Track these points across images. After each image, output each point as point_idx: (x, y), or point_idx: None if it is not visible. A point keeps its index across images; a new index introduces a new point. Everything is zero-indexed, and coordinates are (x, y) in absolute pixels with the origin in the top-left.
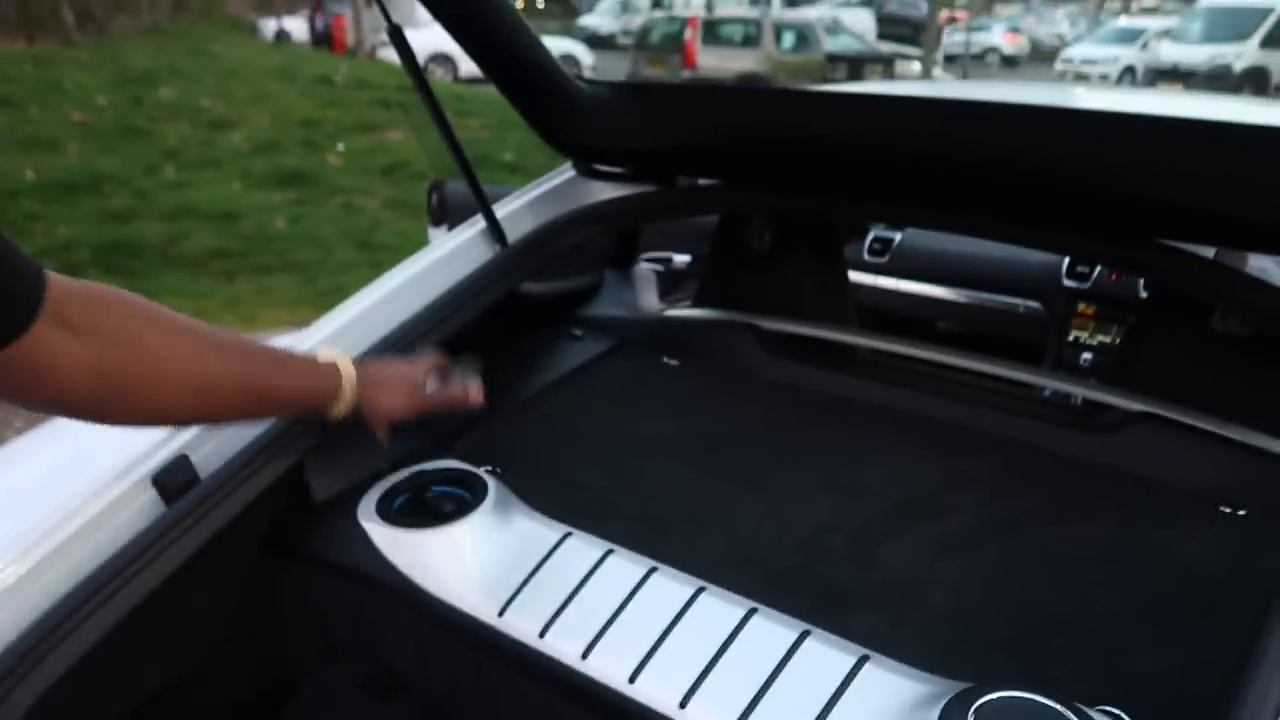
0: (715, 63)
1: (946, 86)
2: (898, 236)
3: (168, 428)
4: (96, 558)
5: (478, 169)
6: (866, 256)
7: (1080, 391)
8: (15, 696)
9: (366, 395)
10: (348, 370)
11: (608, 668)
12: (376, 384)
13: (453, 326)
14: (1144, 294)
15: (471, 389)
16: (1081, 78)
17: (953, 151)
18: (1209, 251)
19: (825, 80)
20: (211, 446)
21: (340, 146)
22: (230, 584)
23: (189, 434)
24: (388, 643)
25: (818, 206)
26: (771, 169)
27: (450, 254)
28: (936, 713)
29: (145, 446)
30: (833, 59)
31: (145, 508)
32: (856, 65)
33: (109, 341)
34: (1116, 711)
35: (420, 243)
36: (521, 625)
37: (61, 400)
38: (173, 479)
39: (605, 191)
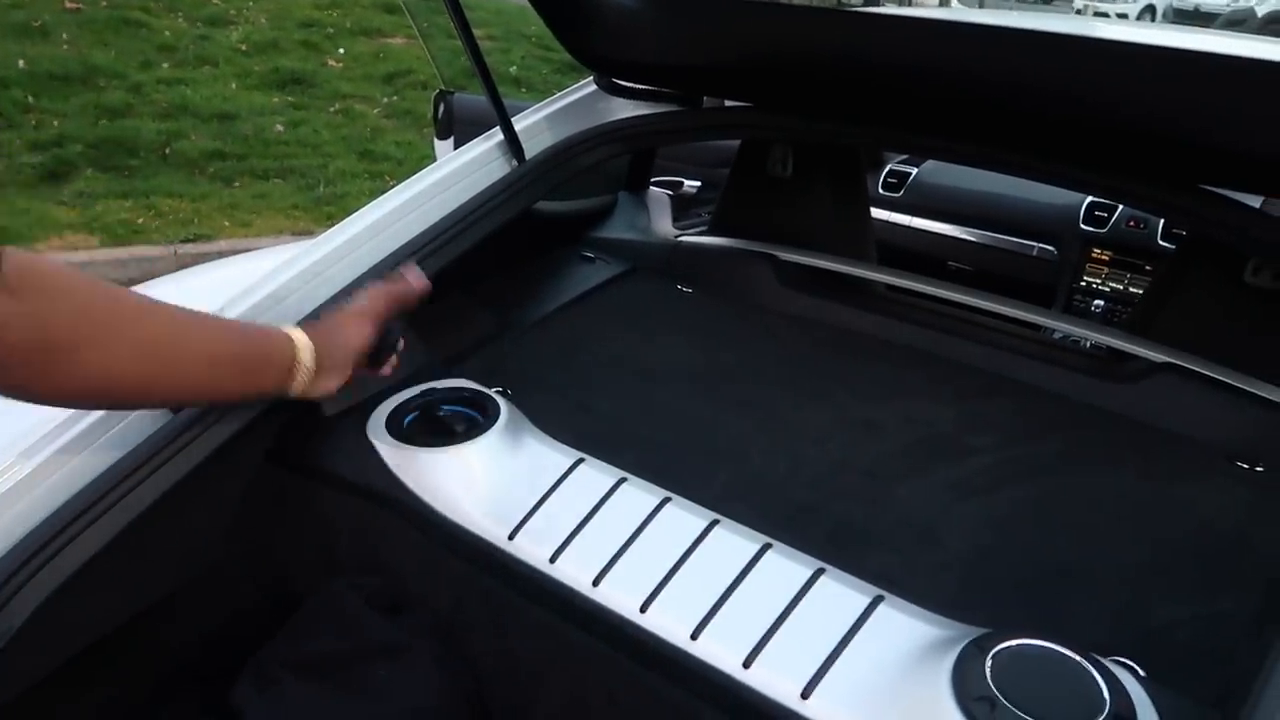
0: None
1: (967, 13)
2: (914, 172)
3: (112, 406)
4: (103, 462)
5: (476, 80)
6: (881, 191)
7: (1106, 340)
8: (21, 597)
9: (325, 341)
10: (295, 332)
11: (619, 596)
12: (331, 329)
13: (467, 243)
14: (1162, 242)
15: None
16: (1099, 15)
17: (992, 80)
18: (1254, 200)
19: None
20: None
21: (341, 50)
22: (236, 495)
23: None
24: (394, 560)
25: (848, 133)
26: (801, 91)
27: (465, 166)
28: (953, 657)
29: None
30: None
31: (152, 414)
32: None
33: (50, 298)
34: (1130, 663)
35: (423, 154)
36: (532, 550)
37: None
38: None
39: (625, 109)
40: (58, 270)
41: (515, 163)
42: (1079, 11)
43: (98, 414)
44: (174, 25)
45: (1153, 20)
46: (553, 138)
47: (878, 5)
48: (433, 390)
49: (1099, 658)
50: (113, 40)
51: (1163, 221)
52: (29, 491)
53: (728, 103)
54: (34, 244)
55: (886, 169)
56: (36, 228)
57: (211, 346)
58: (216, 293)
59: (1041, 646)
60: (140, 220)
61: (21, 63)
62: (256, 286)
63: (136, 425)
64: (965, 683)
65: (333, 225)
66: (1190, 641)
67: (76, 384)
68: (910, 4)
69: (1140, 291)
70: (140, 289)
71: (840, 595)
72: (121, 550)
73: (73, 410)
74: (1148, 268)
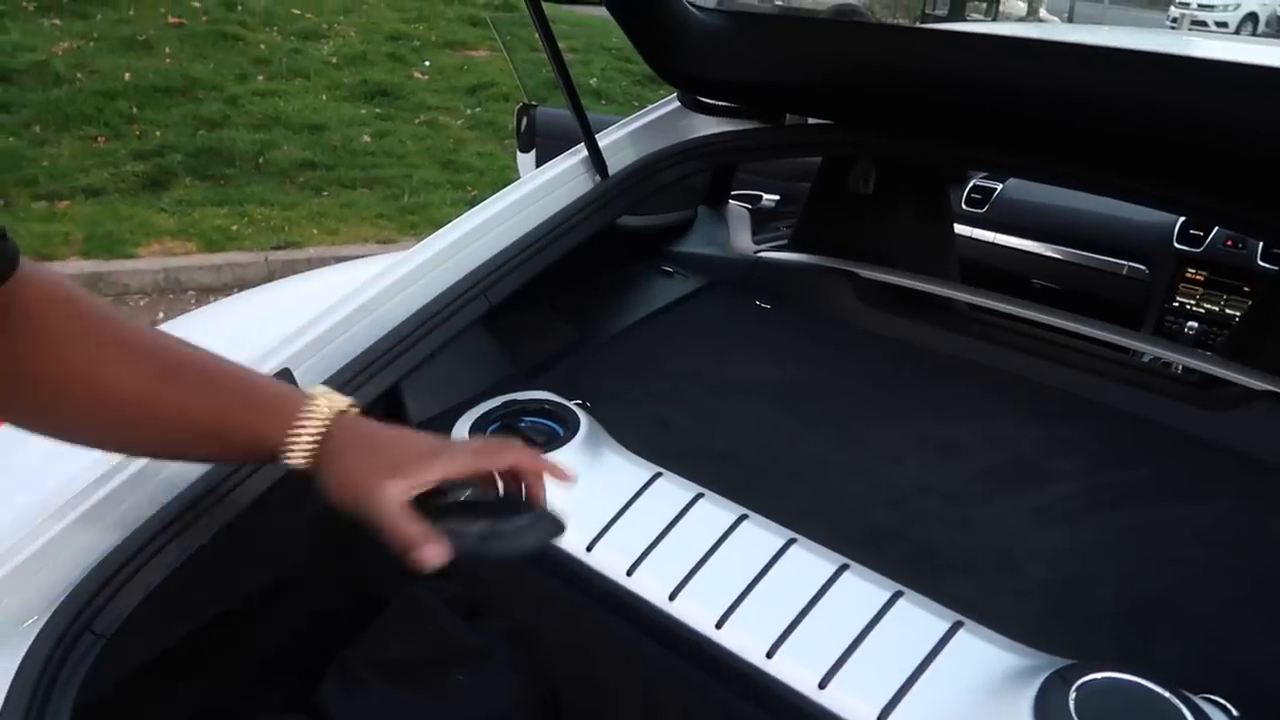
0: None
1: (1058, 29)
2: (999, 187)
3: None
4: (198, 466)
5: (557, 93)
6: (964, 206)
7: (1200, 365)
8: (128, 590)
9: (346, 459)
10: (320, 412)
11: (695, 612)
12: (367, 447)
13: (550, 257)
14: (1262, 263)
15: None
16: (1198, 24)
17: (1081, 99)
18: None
19: (925, 16)
20: (313, 362)
21: (426, 63)
22: (323, 499)
23: (292, 349)
24: (473, 566)
25: (931, 152)
26: (885, 109)
27: (550, 182)
28: (1035, 688)
29: (248, 359)
30: None
31: None
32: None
33: (18, 330)
34: (1222, 701)
35: (503, 165)
36: (609, 561)
37: None
38: None
39: (707, 126)
40: (42, 291)
41: (598, 179)
42: (1174, 20)
43: None
44: (269, 39)
45: (1255, 29)
46: (635, 154)
47: (962, 19)
48: (514, 401)
49: (1189, 695)
50: (211, 54)
51: (1262, 241)
52: (134, 492)
53: (810, 120)
54: (135, 249)
55: (970, 184)
56: (138, 233)
57: (182, 412)
58: (305, 304)
59: (1129, 681)
60: (234, 227)
61: (127, 75)
62: (345, 300)
63: None
64: (1047, 715)
65: (415, 234)
66: None
67: (34, 429)
68: (996, 16)
69: (1237, 314)
70: (231, 301)
71: (918, 619)
72: (218, 548)
73: None
74: (1246, 289)
